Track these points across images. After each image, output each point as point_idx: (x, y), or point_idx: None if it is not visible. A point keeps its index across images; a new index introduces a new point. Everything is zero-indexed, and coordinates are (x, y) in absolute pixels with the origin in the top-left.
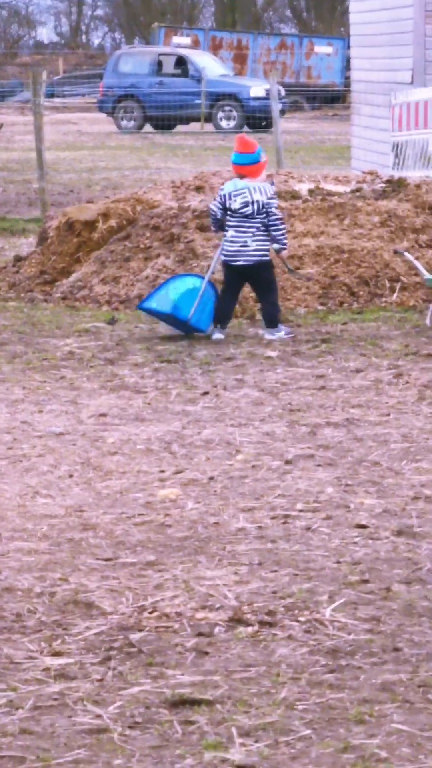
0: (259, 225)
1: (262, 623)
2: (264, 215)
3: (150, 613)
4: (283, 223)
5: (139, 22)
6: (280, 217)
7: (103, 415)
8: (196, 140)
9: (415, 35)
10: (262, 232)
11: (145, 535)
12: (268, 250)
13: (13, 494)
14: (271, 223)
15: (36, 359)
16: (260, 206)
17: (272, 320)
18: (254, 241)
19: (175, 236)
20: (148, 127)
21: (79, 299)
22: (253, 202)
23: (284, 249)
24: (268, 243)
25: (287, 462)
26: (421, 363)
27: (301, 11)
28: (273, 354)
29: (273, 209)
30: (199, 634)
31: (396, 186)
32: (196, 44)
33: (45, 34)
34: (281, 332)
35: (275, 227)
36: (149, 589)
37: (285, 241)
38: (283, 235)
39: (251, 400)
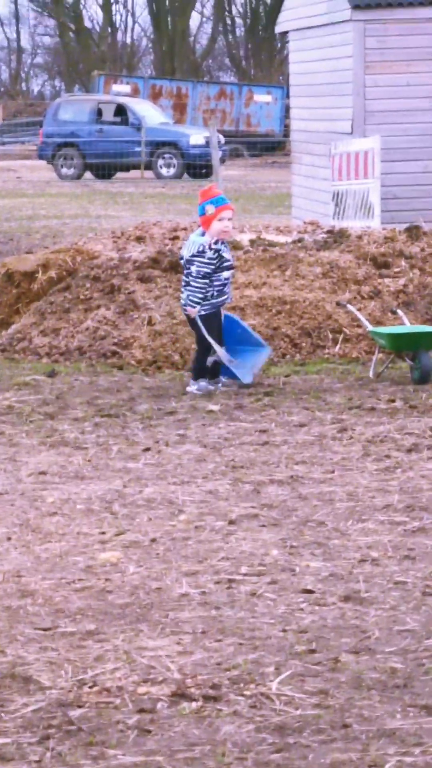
0: (187, 278)
1: (206, 698)
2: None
3: (90, 687)
4: (195, 282)
5: (78, 70)
6: (195, 275)
7: (43, 473)
8: (136, 188)
9: (354, 86)
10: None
11: (86, 602)
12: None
13: None
14: (187, 278)
15: None
16: (185, 261)
17: (193, 372)
18: (186, 293)
19: (115, 287)
20: (88, 175)
21: (18, 351)
22: (182, 257)
23: (187, 307)
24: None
25: (231, 522)
26: (365, 417)
27: (240, 60)
28: (215, 408)
29: (191, 266)
30: (141, 710)
31: (338, 237)
32: (135, 92)
33: None
34: (194, 387)
35: (186, 284)
36: (89, 660)
37: (192, 299)
38: (191, 293)
39: (193, 457)
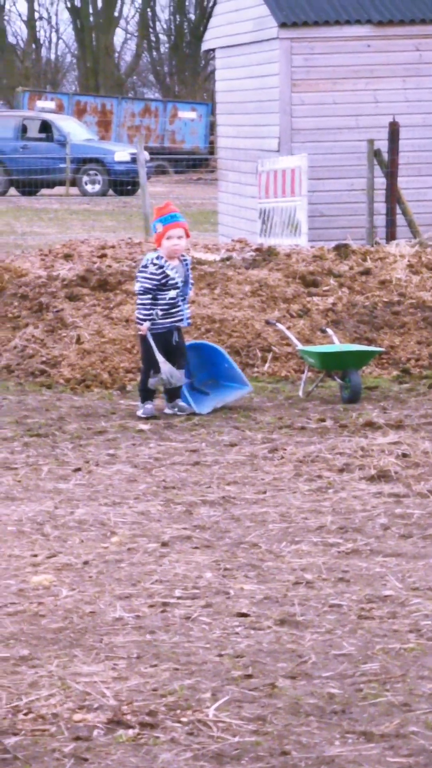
0: None
1: (143, 725)
2: None
3: (25, 714)
4: (138, 298)
5: (2, 86)
6: (136, 291)
7: None
8: (61, 204)
9: (281, 103)
10: None
11: (18, 627)
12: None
13: None
14: None
15: None
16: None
17: (140, 395)
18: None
19: (43, 305)
20: (13, 191)
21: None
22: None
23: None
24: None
25: (164, 544)
26: (296, 436)
27: (165, 76)
28: (145, 427)
29: (136, 282)
30: (77, 738)
31: (266, 255)
32: (60, 108)
33: None
34: (139, 410)
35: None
36: (24, 687)
37: (137, 316)
38: (137, 310)
39: (124, 477)
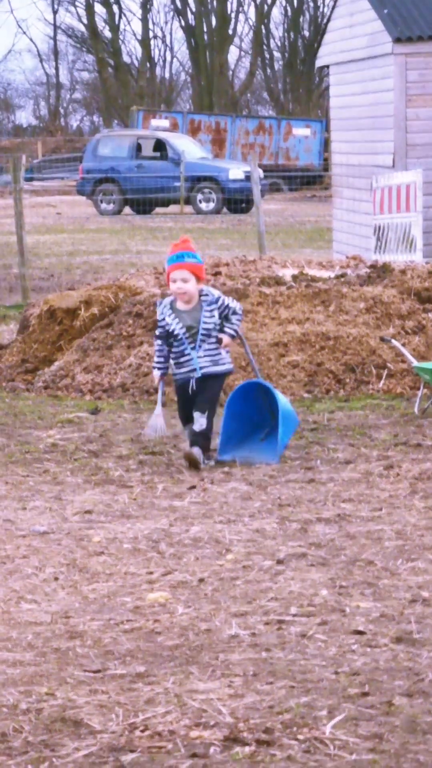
0: None
1: (259, 742)
2: None
3: (141, 731)
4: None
5: (117, 105)
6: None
7: (89, 512)
8: (175, 223)
9: (396, 119)
10: None
11: (135, 644)
12: None
13: None
14: None
15: (18, 452)
16: None
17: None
18: None
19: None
20: (127, 210)
21: (61, 388)
22: None
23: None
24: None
25: (279, 562)
26: (412, 453)
27: (278, 94)
28: None
29: None
30: (194, 755)
31: (381, 271)
32: (174, 127)
33: (23, 117)
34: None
35: None
36: (140, 704)
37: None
38: None
39: (239, 495)
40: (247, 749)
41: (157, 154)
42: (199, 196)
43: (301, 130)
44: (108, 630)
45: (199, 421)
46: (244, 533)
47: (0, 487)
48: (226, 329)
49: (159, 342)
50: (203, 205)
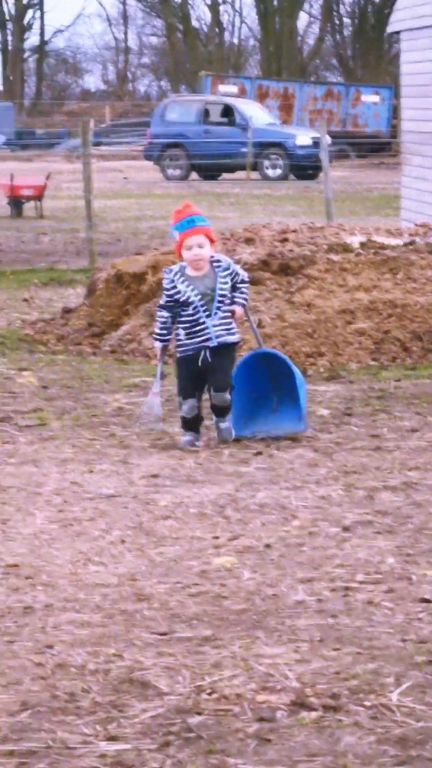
0: None
1: (326, 707)
2: None
3: (208, 694)
4: (156, 315)
5: (185, 70)
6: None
7: (155, 476)
8: (241, 189)
9: None
10: None
11: (201, 608)
12: None
13: (65, 561)
14: None
15: (85, 415)
16: None
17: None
18: None
19: None
20: (194, 176)
21: (127, 353)
22: None
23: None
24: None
25: (345, 529)
26: None
27: (347, 60)
28: (325, 412)
29: None
30: (261, 719)
31: None
32: (242, 93)
33: (92, 82)
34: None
35: None
36: (207, 667)
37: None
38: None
39: (305, 461)
40: (313, 714)
41: (225, 119)
42: (266, 163)
43: (369, 97)
44: (174, 593)
45: (225, 398)
46: (310, 500)
47: (67, 450)
48: (237, 299)
49: (164, 313)
50: (270, 172)
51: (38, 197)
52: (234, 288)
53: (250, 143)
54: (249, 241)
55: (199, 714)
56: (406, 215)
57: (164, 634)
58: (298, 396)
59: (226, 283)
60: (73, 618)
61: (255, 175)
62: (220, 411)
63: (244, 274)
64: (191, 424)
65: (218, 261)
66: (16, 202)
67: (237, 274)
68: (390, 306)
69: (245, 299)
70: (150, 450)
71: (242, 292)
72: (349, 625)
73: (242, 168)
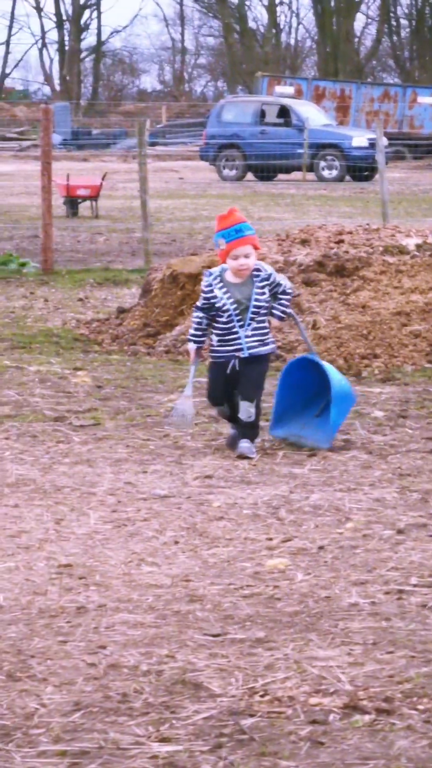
0: None
1: (379, 711)
2: None
3: (261, 696)
4: (192, 316)
5: (241, 71)
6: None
7: (209, 476)
8: (297, 189)
9: None
10: None
11: (254, 609)
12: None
13: (118, 561)
14: None
15: (139, 415)
16: None
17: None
18: None
19: None
20: (250, 176)
21: (182, 353)
22: None
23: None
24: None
25: (399, 531)
26: None
27: (404, 61)
28: (380, 414)
29: None
30: (313, 722)
31: None
32: (299, 93)
33: (148, 82)
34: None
35: None
36: (259, 669)
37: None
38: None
39: (359, 463)
40: (366, 717)
41: (281, 120)
42: (322, 164)
43: (426, 98)
44: (227, 594)
45: (248, 411)
46: (364, 502)
47: (121, 451)
48: (275, 311)
49: (200, 314)
50: (326, 173)
51: (94, 197)
52: (274, 297)
53: (306, 144)
54: (304, 242)
55: (251, 716)
56: None
57: (217, 635)
58: (331, 413)
59: (263, 293)
60: (126, 618)
61: (311, 176)
62: (244, 428)
63: (287, 285)
64: (231, 420)
65: (258, 270)
66: (72, 202)
67: (279, 284)
68: None
69: (284, 311)
70: (204, 451)
71: (282, 304)
72: (403, 629)
73: (298, 169)
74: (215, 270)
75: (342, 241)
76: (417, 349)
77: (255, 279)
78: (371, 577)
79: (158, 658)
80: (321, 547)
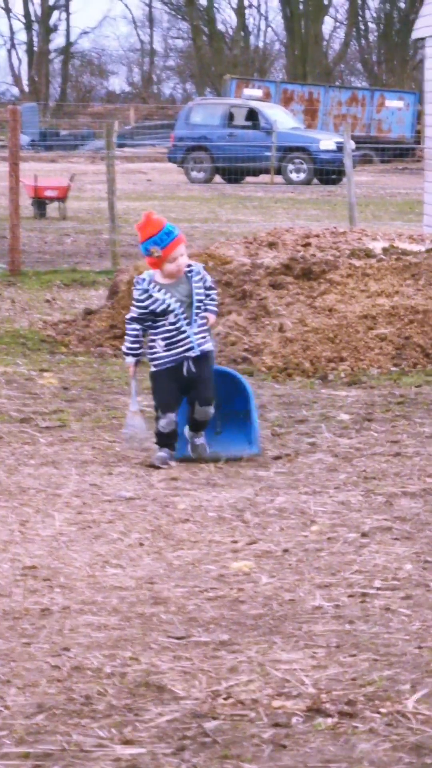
0: None
1: (341, 714)
2: None
3: (224, 699)
4: (126, 329)
5: (210, 73)
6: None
7: (174, 479)
8: (265, 192)
9: None
10: None
11: (219, 612)
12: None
13: (83, 563)
14: None
15: (105, 417)
16: None
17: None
18: None
19: (247, 293)
20: (218, 179)
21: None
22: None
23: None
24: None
25: (364, 534)
26: None
27: (372, 65)
28: (345, 417)
29: None
30: (276, 725)
31: None
32: (267, 96)
33: (117, 83)
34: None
35: None
36: (223, 672)
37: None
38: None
39: (325, 466)
40: (329, 720)
41: (249, 123)
42: (290, 167)
43: (394, 102)
44: (192, 597)
45: (208, 413)
46: (329, 505)
47: (87, 452)
48: (210, 307)
49: (136, 326)
50: (294, 176)
51: (62, 198)
52: (205, 294)
53: (274, 147)
54: (272, 245)
55: (214, 719)
56: (429, 221)
57: (181, 638)
58: (252, 417)
59: (201, 287)
60: (90, 621)
61: (278, 178)
62: (199, 426)
63: (210, 279)
64: (167, 439)
65: (190, 266)
66: (40, 203)
67: (205, 279)
68: (411, 312)
69: (216, 306)
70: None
71: (212, 299)
72: (366, 632)
73: (266, 171)
74: (145, 275)
75: (309, 244)
76: (383, 352)
77: (190, 275)
78: (335, 580)
79: (122, 661)
80: (286, 550)
